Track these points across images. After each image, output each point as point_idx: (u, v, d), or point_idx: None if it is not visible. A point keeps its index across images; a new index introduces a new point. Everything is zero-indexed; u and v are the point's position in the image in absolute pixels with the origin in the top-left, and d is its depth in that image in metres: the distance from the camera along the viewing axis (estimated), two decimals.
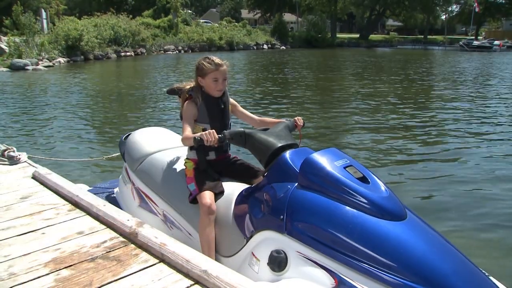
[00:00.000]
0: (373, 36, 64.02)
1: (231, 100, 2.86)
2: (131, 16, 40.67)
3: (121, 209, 2.80)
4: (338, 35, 62.43)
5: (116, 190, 3.71)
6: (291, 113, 10.44)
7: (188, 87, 2.76)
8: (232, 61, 30.15)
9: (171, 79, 18.16)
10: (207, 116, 2.68)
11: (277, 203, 2.08)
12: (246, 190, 2.43)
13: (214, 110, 2.70)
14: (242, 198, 2.41)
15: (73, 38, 28.15)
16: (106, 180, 4.46)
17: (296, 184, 2.08)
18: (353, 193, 1.94)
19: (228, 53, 39.76)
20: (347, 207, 1.93)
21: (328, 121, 9.57)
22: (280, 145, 2.29)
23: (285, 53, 41.44)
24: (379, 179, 2.07)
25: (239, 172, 2.75)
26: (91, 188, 3.90)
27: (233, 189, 2.58)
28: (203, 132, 2.36)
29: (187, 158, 2.79)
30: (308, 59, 32.60)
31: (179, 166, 2.87)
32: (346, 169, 2.04)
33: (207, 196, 2.49)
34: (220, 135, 2.36)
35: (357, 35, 64.74)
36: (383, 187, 2.02)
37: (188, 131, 2.58)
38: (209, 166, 2.69)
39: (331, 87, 16.06)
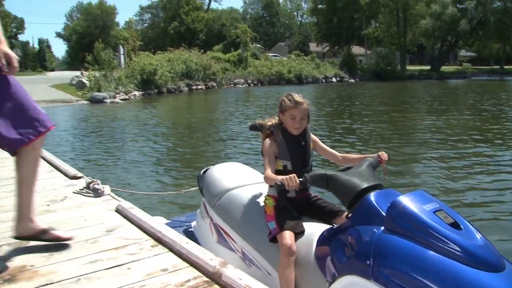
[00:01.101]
0: (444, 68, 62.32)
1: (312, 136, 2.85)
2: (202, 50, 42.05)
3: (198, 243, 2.83)
4: (408, 67, 61.30)
5: (193, 224, 3.75)
6: (363, 148, 10.27)
7: (269, 123, 2.78)
8: (301, 94, 30.15)
9: (245, 112, 18.42)
10: (287, 153, 2.67)
11: (362, 247, 2.02)
12: (328, 231, 2.38)
13: (294, 147, 2.69)
14: (324, 239, 2.36)
15: (148, 72, 29.45)
16: (183, 214, 4.54)
17: (382, 228, 2.01)
18: (445, 239, 1.84)
19: (297, 86, 40.00)
20: (438, 255, 1.83)
21: (404, 156, 9.31)
22: (364, 186, 2.23)
23: (354, 86, 41.16)
24: (472, 225, 1.95)
25: (320, 212, 2.70)
26: (169, 221, 3.97)
27: (314, 229, 2.53)
28: (284, 177, 2.34)
29: (267, 195, 2.76)
30: (378, 92, 32.18)
31: (259, 203, 2.87)
32: (436, 213, 1.95)
33: (288, 236, 2.44)
34: (301, 179, 2.33)
35: (428, 67, 63.26)
36: (477, 234, 1.90)
37: (269, 169, 2.59)
38: (290, 204, 2.66)
39: (404, 121, 15.69)
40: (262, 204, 2.80)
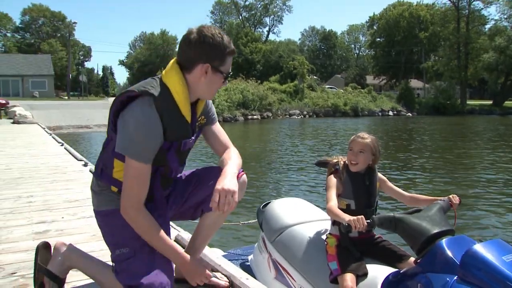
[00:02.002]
0: (508, 103, 60.15)
1: (380, 175, 2.76)
2: (259, 81, 42.61)
3: (255, 278, 2.77)
4: (468, 102, 59.63)
5: (250, 257, 3.69)
6: (425, 186, 9.96)
7: (335, 160, 2.73)
8: (356, 126, 30.06)
9: (304, 144, 18.34)
10: (351, 192, 2.59)
11: None
12: (394, 275, 2.27)
13: (358, 186, 2.61)
14: (390, 284, 2.25)
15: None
16: (240, 246, 4.49)
17: (455, 277, 1.89)
18: None
19: (353, 119, 39.69)
20: None
21: (472, 198, 8.91)
22: (434, 231, 2.11)
23: (411, 120, 40.33)
24: None
25: (383, 254, 2.58)
26: (225, 253, 3.93)
27: (377, 272, 2.41)
28: (352, 218, 2.26)
29: (329, 234, 2.69)
30: (438, 127, 31.37)
31: (320, 241, 2.79)
32: None
33: (349, 279, 2.35)
34: (368, 221, 2.25)
35: (489, 102, 61.29)
36: None
37: (333, 202, 2.50)
38: (352, 244, 2.56)
39: (468, 158, 15.18)
40: (323, 242, 2.72)
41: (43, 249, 2.36)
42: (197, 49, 2.07)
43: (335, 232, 2.62)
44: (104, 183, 2.18)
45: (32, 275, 2.35)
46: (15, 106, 23.62)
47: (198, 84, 2.13)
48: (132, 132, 1.99)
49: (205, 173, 2.44)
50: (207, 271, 2.23)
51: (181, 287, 2.40)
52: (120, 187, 2.11)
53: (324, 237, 2.75)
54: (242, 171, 2.40)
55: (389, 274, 2.30)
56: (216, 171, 2.30)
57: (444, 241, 2.04)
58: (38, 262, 2.31)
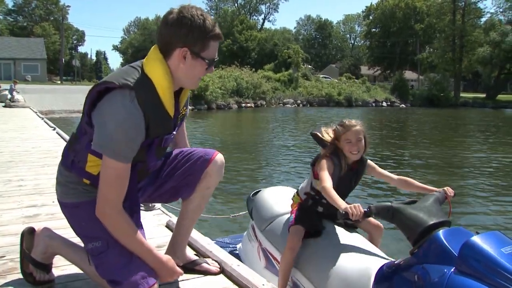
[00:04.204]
0: (501, 96, 60.33)
1: (369, 162, 2.80)
2: (253, 69, 42.49)
3: None
4: (461, 94, 59.76)
5: (239, 246, 3.68)
6: (415, 177, 9.99)
7: (329, 144, 2.71)
8: (351, 117, 29.90)
9: (296, 133, 18.29)
10: (334, 184, 2.55)
11: None
12: (388, 266, 2.27)
13: (343, 183, 2.67)
14: (385, 274, 2.24)
15: (199, 88, 29.93)
16: (228, 235, 4.48)
17: (453, 268, 1.89)
18: None
19: (346, 109, 39.72)
20: None
21: (464, 189, 8.95)
22: (431, 222, 2.10)
23: (405, 111, 40.42)
24: None
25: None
26: (213, 242, 3.92)
27: (332, 230, 2.68)
28: (349, 206, 2.24)
29: (296, 193, 2.88)
30: (431, 119, 31.46)
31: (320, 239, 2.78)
32: None
33: (297, 231, 2.64)
34: (366, 209, 2.24)
35: (483, 95, 61.46)
36: None
37: (328, 182, 2.47)
38: (314, 211, 2.76)
39: (460, 150, 15.23)
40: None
41: (28, 235, 2.27)
42: (175, 31, 1.89)
43: (302, 196, 2.82)
44: (75, 174, 2.04)
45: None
46: (6, 90, 23.37)
47: (177, 71, 1.96)
48: (112, 130, 1.82)
49: (184, 158, 2.31)
50: (179, 269, 2.12)
51: None
52: (93, 180, 1.99)
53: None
54: (215, 151, 2.31)
55: (383, 265, 2.30)
56: (196, 161, 2.26)
57: (441, 232, 2.03)
58: (24, 249, 2.24)
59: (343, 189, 2.64)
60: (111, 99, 1.85)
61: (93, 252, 2.00)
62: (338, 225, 2.75)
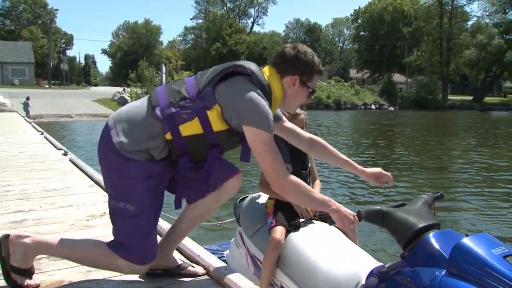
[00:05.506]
0: (488, 99, 60.97)
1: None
2: None
3: None
4: (449, 97, 60.28)
5: (226, 253, 3.65)
6: (405, 179, 10.07)
7: None
8: (339, 120, 30.17)
9: None
10: (289, 156, 2.89)
11: None
12: (378, 269, 2.27)
13: (295, 151, 2.81)
14: (375, 277, 2.25)
15: None
16: (215, 242, 4.47)
17: (444, 271, 1.90)
18: None
19: (336, 112, 39.85)
20: None
21: (448, 189, 9.04)
22: (421, 225, 2.11)
23: (394, 114, 40.65)
24: None
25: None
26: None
27: (311, 225, 2.80)
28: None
29: (269, 198, 3.00)
30: (419, 121, 31.68)
31: (303, 236, 2.80)
32: (506, 259, 1.82)
33: (278, 231, 2.72)
34: (355, 214, 2.25)
35: (470, 97, 62.05)
36: None
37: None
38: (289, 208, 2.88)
39: (447, 152, 15.37)
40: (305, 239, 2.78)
41: (5, 242, 2.20)
42: (292, 62, 2.20)
43: (273, 196, 2.94)
44: (163, 126, 2.08)
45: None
46: None
47: (285, 94, 2.23)
48: (260, 105, 2.02)
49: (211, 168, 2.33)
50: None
51: (150, 279, 2.41)
52: (176, 139, 2.08)
53: (306, 233, 2.80)
54: (239, 170, 2.38)
55: (374, 268, 2.31)
56: (220, 169, 2.28)
57: (431, 235, 2.04)
58: (3, 256, 2.18)
59: (298, 155, 2.94)
60: (246, 83, 2.09)
61: (121, 212, 2.12)
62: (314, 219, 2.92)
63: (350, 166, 2.61)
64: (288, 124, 2.59)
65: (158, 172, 2.14)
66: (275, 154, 2.06)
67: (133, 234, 2.12)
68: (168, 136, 2.08)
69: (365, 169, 2.63)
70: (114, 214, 2.16)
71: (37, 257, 2.33)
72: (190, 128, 2.07)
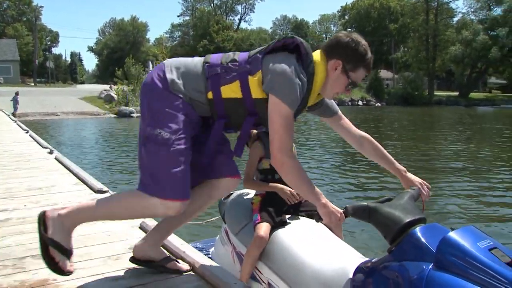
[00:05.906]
0: (473, 94, 61.54)
1: None
2: None
3: None
4: (435, 93, 60.75)
5: (211, 250, 3.63)
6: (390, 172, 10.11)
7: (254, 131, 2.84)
8: None
9: None
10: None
11: (411, 285, 1.94)
12: (365, 264, 2.29)
13: None
14: (362, 273, 2.26)
15: None
16: (200, 240, 4.45)
17: (431, 264, 1.92)
18: (503, 280, 1.73)
19: None
20: None
21: (434, 182, 9.09)
22: (408, 220, 2.12)
23: (381, 110, 40.89)
24: None
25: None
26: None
27: (296, 222, 2.77)
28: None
29: (255, 195, 2.94)
30: (406, 117, 31.89)
31: (289, 233, 2.80)
32: (491, 251, 1.85)
33: (263, 228, 2.64)
34: (342, 210, 2.26)
35: (456, 93, 62.60)
36: None
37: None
38: (277, 203, 2.82)
39: (433, 147, 15.49)
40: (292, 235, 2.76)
41: (43, 217, 2.21)
42: (340, 46, 2.19)
43: (260, 193, 2.90)
44: (207, 85, 2.16)
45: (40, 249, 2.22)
46: None
47: (327, 78, 2.21)
48: (291, 80, 2.03)
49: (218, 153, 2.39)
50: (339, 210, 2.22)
51: (136, 276, 2.41)
52: (216, 98, 2.14)
53: (292, 228, 2.78)
54: (239, 174, 2.43)
55: (361, 263, 2.32)
56: (223, 163, 2.37)
57: (418, 229, 2.05)
58: (42, 232, 2.18)
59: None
60: (292, 59, 2.10)
61: (154, 138, 2.10)
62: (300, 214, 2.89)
63: (395, 169, 2.68)
64: (343, 120, 2.67)
65: (196, 121, 2.19)
66: (288, 130, 2.06)
67: (165, 164, 2.08)
68: (210, 95, 2.15)
69: (408, 175, 2.66)
70: (148, 141, 2.13)
71: (21, 255, 2.32)
72: (230, 90, 2.12)
